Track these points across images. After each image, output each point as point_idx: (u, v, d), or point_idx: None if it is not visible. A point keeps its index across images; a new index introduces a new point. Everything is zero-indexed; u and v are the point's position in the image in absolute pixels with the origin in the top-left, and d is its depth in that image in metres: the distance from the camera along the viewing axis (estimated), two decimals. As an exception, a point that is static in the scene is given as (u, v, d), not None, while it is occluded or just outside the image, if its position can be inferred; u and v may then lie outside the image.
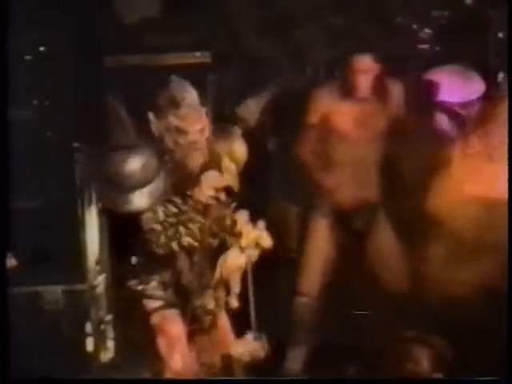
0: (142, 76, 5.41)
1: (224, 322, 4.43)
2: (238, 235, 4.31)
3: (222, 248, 4.32)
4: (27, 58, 5.57)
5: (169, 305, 4.25)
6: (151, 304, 4.25)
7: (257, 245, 4.31)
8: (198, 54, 5.48)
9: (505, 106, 4.72)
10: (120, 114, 4.40)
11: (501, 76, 5.12)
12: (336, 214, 5.22)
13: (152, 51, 5.57)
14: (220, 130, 4.33)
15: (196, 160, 4.21)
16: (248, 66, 5.71)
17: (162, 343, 4.26)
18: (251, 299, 4.91)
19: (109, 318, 5.06)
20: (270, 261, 4.52)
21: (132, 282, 4.29)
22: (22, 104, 5.37)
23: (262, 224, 4.34)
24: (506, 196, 4.52)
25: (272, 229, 4.41)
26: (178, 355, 4.26)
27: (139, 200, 4.18)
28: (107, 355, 5.02)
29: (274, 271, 5.26)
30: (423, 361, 4.56)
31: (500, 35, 5.63)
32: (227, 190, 4.28)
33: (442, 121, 5.20)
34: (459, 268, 4.71)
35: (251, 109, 4.54)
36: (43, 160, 5.18)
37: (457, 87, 5.20)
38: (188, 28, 5.68)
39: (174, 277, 4.27)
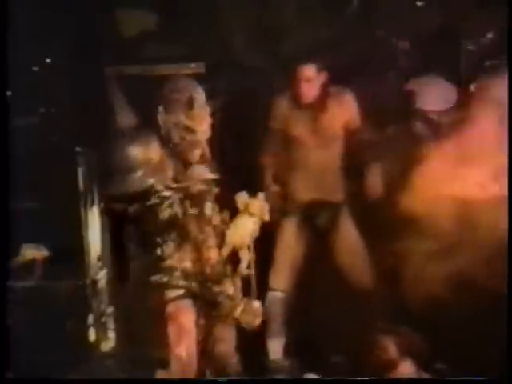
0: (140, 84, 5.39)
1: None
2: (245, 206, 4.27)
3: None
4: (34, 69, 5.68)
5: (188, 294, 4.20)
6: (171, 294, 4.21)
7: (261, 215, 4.28)
8: (192, 64, 5.49)
9: (476, 113, 4.78)
10: (119, 97, 4.35)
11: (472, 86, 5.14)
12: (301, 214, 5.27)
13: (150, 62, 5.61)
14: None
15: (196, 156, 4.26)
16: (239, 75, 5.79)
17: (172, 331, 4.21)
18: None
19: (110, 310, 5.23)
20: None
21: (156, 276, 4.21)
22: (29, 111, 5.49)
23: (261, 196, 4.31)
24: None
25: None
26: (185, 345, 4.22)
27: (138, 181, 4.15)
28: (108, 345, 5.19)
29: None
30: (390, 348, 4.69)
31: (469, 47, 5.75)
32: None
33: (419, 127, 5.33)
34: (432, 265, 4.71)
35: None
36: (48, 164, 5.19)
37: (432, 96, 5.33)
38: (183, 41, 5.78)
39: (194, 265, 4.22)
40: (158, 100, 4.22)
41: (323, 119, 5.18)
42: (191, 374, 4.24)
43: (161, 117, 4.22)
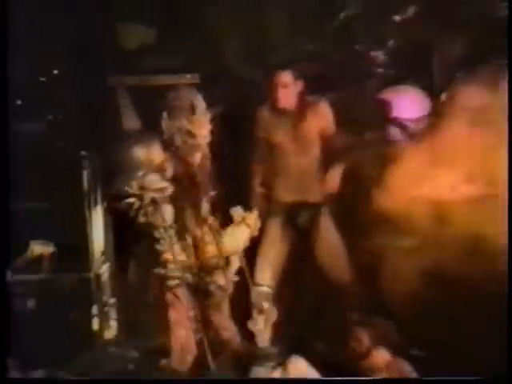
0: (140, 94, 5.62)
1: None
2: (242, 218, 4.48)
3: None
4: (42, 79, 5.78)
5: (184, 284, 4.37)
6: (171, 283, 4.37)
7: (255, 228, 4.47)
8: (188, 75, 5.60)
9: (447, 119, 4.86)
10: (124, 100, 4.60)
11: (443, 95, 5.23)
12: (285, 215, 5.39)
13: (149, 73, 5.76)
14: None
15: (196, 159, 4.44)
16: (233, 86, 5.93)
17: (171, 316, 4.39)
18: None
19: (112, 301, 5.42)
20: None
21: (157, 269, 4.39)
22: (37, 118, 5.63)
23: (255, 212, 4.51)
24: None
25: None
26: (183, 330, 4.40)
27: (140, 182, 4.28)
28: (110, 333, 5.37)
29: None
30: (365, 340, 4.78)
31: (441, 60, 5.84)
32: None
33: (395, 133, 5.51)
34: (407, 261, 4.81)
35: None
36: (56, 167, 5.29)
37: (407, 105, 5.54)
38: (180, 53, 5.93)
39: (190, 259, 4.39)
40: (161, 107, 4.40)
41: (302, 127, 5.31)
42: (190, 356, 4.45)
43: (164, 122, 4.38)
